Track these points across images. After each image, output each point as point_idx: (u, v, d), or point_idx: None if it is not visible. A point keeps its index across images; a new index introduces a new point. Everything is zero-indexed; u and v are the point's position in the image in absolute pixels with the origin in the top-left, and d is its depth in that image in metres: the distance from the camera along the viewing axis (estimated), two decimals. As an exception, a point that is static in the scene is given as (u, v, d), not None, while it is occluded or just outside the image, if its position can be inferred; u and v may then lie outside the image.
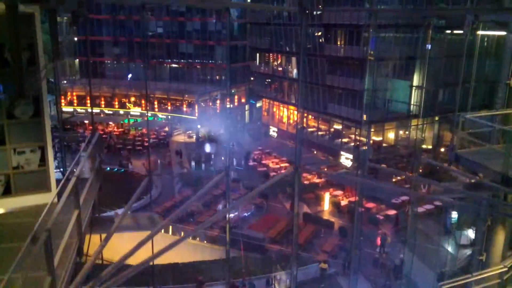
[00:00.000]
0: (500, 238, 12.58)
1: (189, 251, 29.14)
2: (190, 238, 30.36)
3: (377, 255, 26.61)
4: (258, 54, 51.99)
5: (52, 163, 6.61)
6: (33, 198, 6.45)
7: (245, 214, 33.91)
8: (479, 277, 11.56)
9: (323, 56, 39.55)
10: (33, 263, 3.86)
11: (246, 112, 65.26)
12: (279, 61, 48.69)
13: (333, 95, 39.20)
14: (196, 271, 25.11)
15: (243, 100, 64.41)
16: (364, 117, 34.64)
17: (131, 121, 58.86)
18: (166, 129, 57.29)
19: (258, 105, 64.84)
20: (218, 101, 58.99)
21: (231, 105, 60.13)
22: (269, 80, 49.70)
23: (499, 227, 12.46)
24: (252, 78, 58.94)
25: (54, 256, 4.22)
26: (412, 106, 38.01)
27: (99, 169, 7.61)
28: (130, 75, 60.21)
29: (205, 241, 30.31)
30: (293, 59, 44.07)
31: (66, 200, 5.00)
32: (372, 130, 37.42)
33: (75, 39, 63.71)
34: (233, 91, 59.85)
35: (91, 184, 6.86)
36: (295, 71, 44.17)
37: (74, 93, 61.06)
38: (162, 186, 39.41)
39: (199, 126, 53.98)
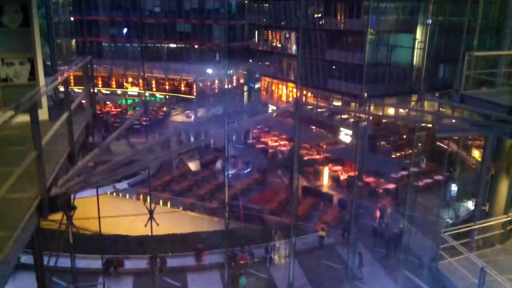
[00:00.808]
0: (503, 188, 12.40)
1: (189, 224, 29.06)
2: (190, 211, 30.32)
3: (376, 224, 26.50)
4: (257, 32, 51.33)
5: (42, 77, 6.30)
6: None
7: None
8: (482, 225, 11.39)
9: (323, 30, 39.06)
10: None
11: (245, 93, 64.77)
12: (278, 38, 48.12)
13: (333, 70, 38.80)
14: (195, 241, 25.03)
15: (241, 81, 63.90)
16: (365, 95, 34.32)
17: (129, 102, 58.36)
18: (164, 109, 56.85)
19: (257, 86, 64.40)
20: (216, 81, 58.46)
21: (230, 86, 59.70)
22: (268, 57, 49.11)
23: (502, 177, 12.27)
24: (250, 60, 58.36)
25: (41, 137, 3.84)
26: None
27: (92, 94, 7.28)
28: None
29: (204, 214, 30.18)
30: (292, 35, 43.54)
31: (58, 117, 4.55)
32: (372, 105, 37.05)
33: (71, 19, 62.99)
34: (231, 71, 59.29)
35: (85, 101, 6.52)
36: (294, 47, 43.67)
37: (71, 73, 60.26)
38: (160, 163, 39.09)
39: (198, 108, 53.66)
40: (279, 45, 47.40)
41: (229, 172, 28.91)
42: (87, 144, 6.86)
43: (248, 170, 36.17)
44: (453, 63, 38.00)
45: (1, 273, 3.12)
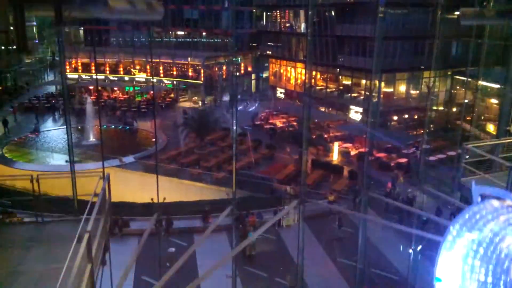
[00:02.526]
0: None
1: (196, 194, 28.50)
2: (197, 182, 29.79)
3: (388, 190, 25.76)
4: (265, 14, 50.86)
5: None
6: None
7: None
8: (506, 141, 10.69)
9: (333, 5, 38.42)
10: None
11: (253, 82, 64.26)
12: (287, 18, 47.55)
13: (343, 46, 38.08)
14: (201, 206, 24.47)
15: (249, 69, 63.40)
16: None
17: (136, 89, 58.00)
18: (172, 95, 56.57)
19: (265, 75, 63.89)
20: (224, 67, 58.00)
21: (237, 73, 59.20)
22: (277, 38, 48.57)
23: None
24: (258, 52, 57.84)
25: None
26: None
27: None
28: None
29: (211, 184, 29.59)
30: (301, 13, 42.93)
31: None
32: (383, 80, 36.32)
33: (80, 7, 62.87)
34: (239, 58, 58.83)
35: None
36: (303, 25, 43.05)
37: (79, 61, 60.48)
38: (167, 139, 38.63)
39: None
40: (288, 25, 46.83)
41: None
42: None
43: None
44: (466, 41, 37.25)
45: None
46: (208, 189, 29.08)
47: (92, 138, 38.36)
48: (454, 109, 43.37)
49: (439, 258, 1.46)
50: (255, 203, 24.80)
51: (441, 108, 42.55)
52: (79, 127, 41.71)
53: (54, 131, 41.22)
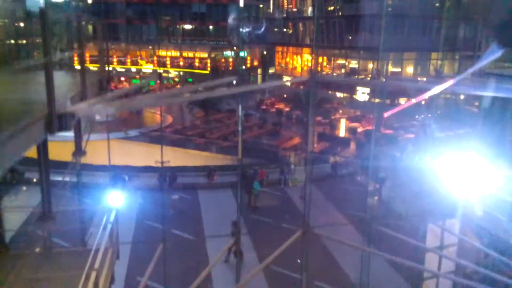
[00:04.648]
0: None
1: (201, 162, 28.14)
2: (202, 151, 29.49)
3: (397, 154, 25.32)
4: (272, 1, 51.04)
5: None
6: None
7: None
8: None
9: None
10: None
11: (259, 76, 64.24)
12: (294, 3, 47.64)
13: (350, 26, 37.85)
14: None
15: (255, 63, 63.40)
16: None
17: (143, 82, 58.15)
18: (178, 86, 56.61)
19: (270, 72, 63.86)
20: (230, 59, 58.09)
21: (244, 67, 59.18)
22: (284, 25, 48.58)
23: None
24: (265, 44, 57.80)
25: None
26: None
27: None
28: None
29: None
30: (308, -3, 43.04)
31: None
32: (390, 60, 36.13)
33: (89, 1, 63.63)
34: (245, 53, 58.89)
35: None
36: (310, 9, 43.06)
37: (87, 53, 60.81)
38: (173, 120, 38.51)
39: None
40: (295, 10, 46.90)
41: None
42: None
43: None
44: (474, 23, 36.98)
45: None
46: (213, 157, 28.71)
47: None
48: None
49: None
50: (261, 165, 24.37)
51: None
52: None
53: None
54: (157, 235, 13.84)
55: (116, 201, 8.29)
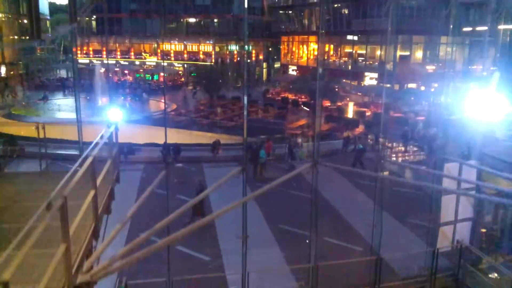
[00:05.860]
0: None
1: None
2: (207, 132, 28.83)
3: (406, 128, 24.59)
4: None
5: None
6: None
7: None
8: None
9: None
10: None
11: (264, 70, 63.68)
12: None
13: (358, 9, 37.16)
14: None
15: (261, 57, 62.81)
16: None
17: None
18: (182, 79, 56.21)
19: (276, 65, 63.28)
20: (235, 52, 57.56)
21: (248, 60, 58.60)
22: (289, 13, 47.98)
23: None
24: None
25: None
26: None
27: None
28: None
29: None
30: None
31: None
32: (399, 42, 35.30)
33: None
34: (250, 46, 58.30)
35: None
36: (315, -5, 42.42)
37: (91, 47, 60.65)
38: (176, 107, 37.93)
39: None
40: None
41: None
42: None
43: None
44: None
45: None
46: (218, 138, 28.03)
47: (100, 103, 37.79)
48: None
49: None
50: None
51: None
52: (87, 97, 41.21)
53: (62, 100, 40.75)
54: (160, 200, 13.20)
55: (115, 116, 7.61)
